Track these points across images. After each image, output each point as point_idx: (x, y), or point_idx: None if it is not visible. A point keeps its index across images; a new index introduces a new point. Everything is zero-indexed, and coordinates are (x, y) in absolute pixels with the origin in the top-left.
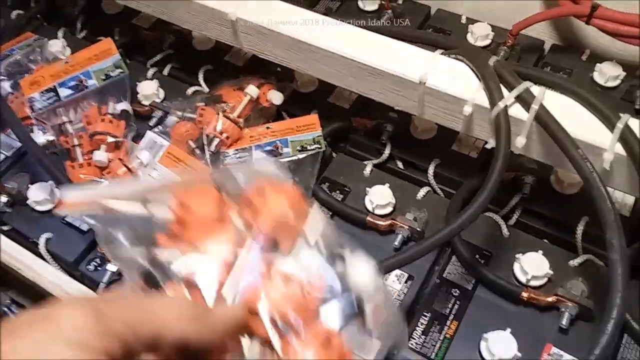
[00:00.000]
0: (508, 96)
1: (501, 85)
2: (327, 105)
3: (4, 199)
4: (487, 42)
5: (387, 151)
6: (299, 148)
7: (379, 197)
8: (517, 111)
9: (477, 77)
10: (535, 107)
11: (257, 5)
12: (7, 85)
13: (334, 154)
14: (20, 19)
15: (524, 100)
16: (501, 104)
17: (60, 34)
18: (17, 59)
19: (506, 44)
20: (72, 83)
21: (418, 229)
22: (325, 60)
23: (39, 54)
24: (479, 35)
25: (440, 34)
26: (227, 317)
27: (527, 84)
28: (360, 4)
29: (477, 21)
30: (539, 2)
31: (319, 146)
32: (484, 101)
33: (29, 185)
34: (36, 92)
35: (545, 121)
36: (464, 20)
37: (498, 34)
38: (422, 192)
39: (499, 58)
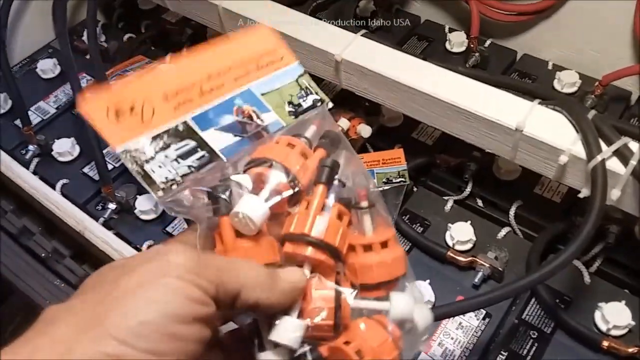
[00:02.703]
0: (606, 150)
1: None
2: (410, 140)
3: (113, 206)
4: (574, 89)
5: (468, 189)
6: (384, 180)
7: (461, 234)
8: (613, 164)
9: (575, 128)
10: (633, 162)
11: (360, 47)
12: None
13: (415, 188)
14: (132, 43)
15: (622, 155)
16: (599, 157)
17: (167, 58)
18: None
19: (594, 94)
20: None
21: (499, 269)
22: (422, 102)
23: None
24: (567, 82)
25: (527, 79)
26: (295, 281)
27: (625, 139)
28: (447, 45)
29: (563, 68)
30: (628, 53)
31: (403, 179)
32: (581, 152)
33: (137, 196)
34: None
35: None
36: (550, 67)
37: (585, 82)
38: (503, 232)
39: (590, 107)
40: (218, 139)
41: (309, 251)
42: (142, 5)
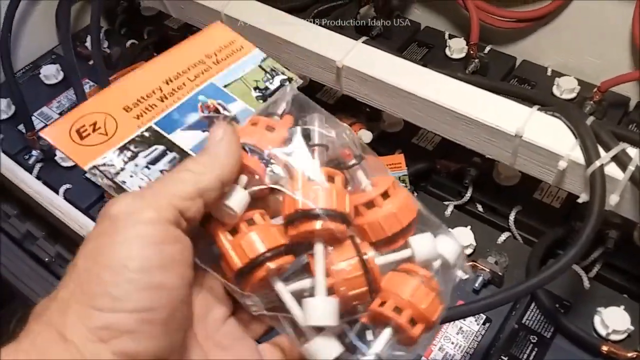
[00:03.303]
0: (605, 156)
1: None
2: (411, 145)
3: None
4: (573, 95)
5: (468, 194)
6: None
7: (461, 238)
8: (612, 170)
9: (574, 134)
10: (631, 168)
11: (361, 54)
12: None
13: (415, 193)
14: (134, 49)
15: (620, 160)
16: (598, 163)
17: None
18: None
19: (593, 99)
20: None
21: (499, 273)
22: (422, 108)
23: None
24: (565, 88)
25: (526, 85)
26: (223, 141)
27: (623, 145)
28: (447, 51)
29: (562, 74)
30: (627, 59)
31: (404, 185)
32: (579, 158)
33: None
34: None
35: None
36: (549, 73)
37: (584, 88)
38: (503, 237)
39: (588, 113)
40: (187, 139)
41: (312, 226)
42: (144, 12)
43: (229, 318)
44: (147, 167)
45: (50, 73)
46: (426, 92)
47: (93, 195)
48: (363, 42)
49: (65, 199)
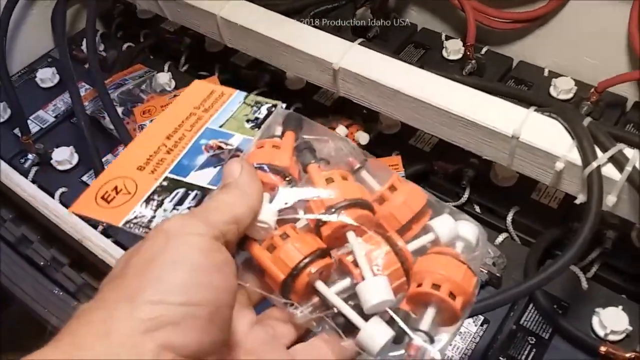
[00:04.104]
0: (602, 157)
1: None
2: (408, 147)
3: None
4: (570, 95)
5: (466, 195)
6: None
7: None
8: (609, 171)
9: (571, 135)
10: (628, 168)
11: (358, 56)
12: (119, 111)
13: None
14: (131, 51)
15: (618, 161)
16: (595, 164)
17: (166, 67)
18: (129, 88)
19: (590, 100)
20: None
21: (497, 275)
22: (419, 110)
23: (149, 85)
24: (562, 89)
25: (523, 86)
26: (240, 174)
27: (620, 145)
28: (444, 53)
29: (559, 75)
30: (623, 60)
31: None
32: (577, 159)
33: None
34: (147, 120)
35: (637, 183)
36: (546, 73)
37: (580, 89)
38: (501, 238)
39: (585, 113)
40: (202, 177)
41: (344, 218)
42: (140, 15)
43: (255, 325)
44: (175, 209)
45: (46, 76)
46: (423, 93)
47: None
48: (359, 44)
49: (61, 202)
